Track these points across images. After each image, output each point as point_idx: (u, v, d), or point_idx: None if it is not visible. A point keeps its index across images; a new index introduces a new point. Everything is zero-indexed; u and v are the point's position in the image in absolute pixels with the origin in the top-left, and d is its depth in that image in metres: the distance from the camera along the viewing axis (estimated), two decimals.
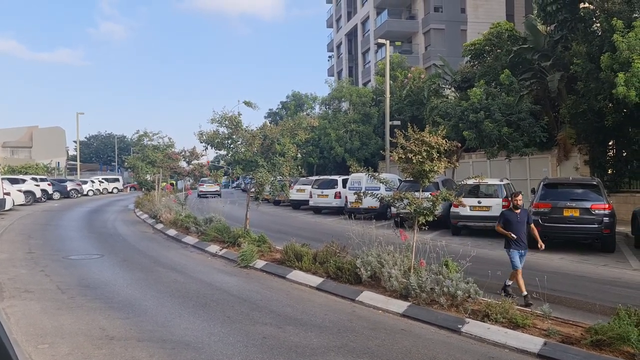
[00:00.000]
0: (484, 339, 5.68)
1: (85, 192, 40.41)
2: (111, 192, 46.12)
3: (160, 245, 13.34)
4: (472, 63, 25.47)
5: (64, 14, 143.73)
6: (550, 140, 20.48)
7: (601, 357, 4.99)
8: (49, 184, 33.01)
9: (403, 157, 7.51)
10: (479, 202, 14.45)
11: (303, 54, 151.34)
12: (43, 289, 8.00)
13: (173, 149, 22.71)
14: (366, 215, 16.08)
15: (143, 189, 25.38)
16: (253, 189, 12.43)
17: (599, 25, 17.80)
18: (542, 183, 12.55)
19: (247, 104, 12.00)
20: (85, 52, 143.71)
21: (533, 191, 14.06)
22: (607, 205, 11.56)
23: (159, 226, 16.71)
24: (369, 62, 45.20)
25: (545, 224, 11.44)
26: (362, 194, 8.70)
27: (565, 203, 11.73)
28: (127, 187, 50.38)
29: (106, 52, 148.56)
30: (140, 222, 19.19)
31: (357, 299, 7.37)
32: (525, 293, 7.03)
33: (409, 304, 6.83)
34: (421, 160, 7.27)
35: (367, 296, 7.37)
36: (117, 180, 49.78)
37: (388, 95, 27.22)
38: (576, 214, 11.55)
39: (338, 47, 54.46)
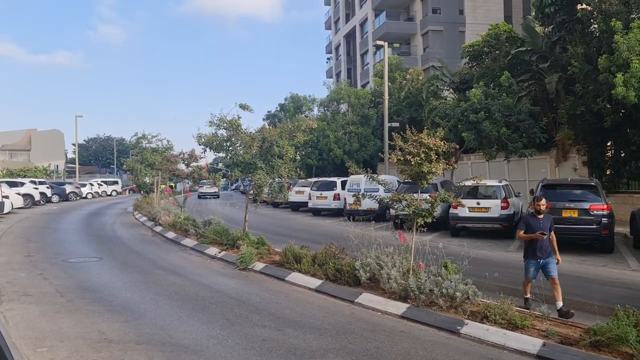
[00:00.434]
0: (483, 340, 5.68)
1: (84, 195, 40.36)
2: (110, 195, 46.06)
3: (159, 247, 13.32)
4: (470, 64, 25.50)
5: (62, 17, 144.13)
6: (548, 141, 20.51)
7: (600, 358, 4.99)
8: (47, 187, 32.92)
9: (401, 158, 7.51)
10: (478, 204, 14.43)
11: (301, 56, 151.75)
12: (42, 292, 7.99)
13: (172, 152, 22.73)
14: (365, 216, 16.06)
15: (142, 192, 25.35)
16: (252, 191, 12.42)
17: (596, 26, 17.84)
18: (540, 184, 12.55)
19: (243, 107, 11.98)
20: (84, 55, 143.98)
21: (532, 192, 14.06)
22: (605, 206, 11.58)
23: (158, 229, 16.69)
24: (368, 63, 45.22)
25: None
26: (361, 196, 8.69)
27: (564, 204, 11.72)
28: (126, 189, 50.29)
29: (105, 55, 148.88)
30: (139, 225, 19.17)
31: (356, 300, 7.37)
32: (528, 296, 7.06)
33: (408, 305, 6.83)
34: (419, 162, 7.27)
35: (366, 298, 7.37)
36: (116, 183, 49.69)
37: (386, 96, 27.24)
38: (575, 214, 11.57)
39: (336, 48, 54.49)
